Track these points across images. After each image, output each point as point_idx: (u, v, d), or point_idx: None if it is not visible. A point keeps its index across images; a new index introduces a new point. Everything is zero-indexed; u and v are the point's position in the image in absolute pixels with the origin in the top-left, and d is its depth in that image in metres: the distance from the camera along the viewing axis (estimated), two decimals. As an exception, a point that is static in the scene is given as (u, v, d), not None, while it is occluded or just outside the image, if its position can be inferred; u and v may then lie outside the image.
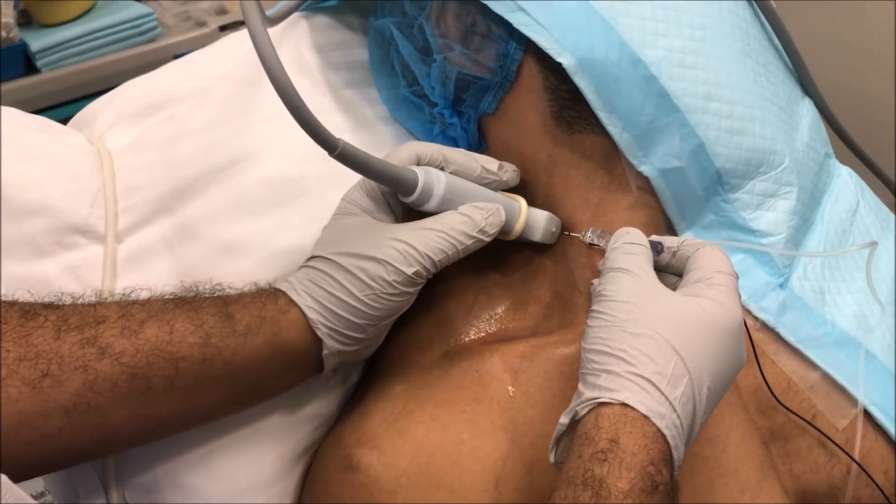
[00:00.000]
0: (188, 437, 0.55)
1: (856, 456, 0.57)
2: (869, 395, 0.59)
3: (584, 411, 0.45)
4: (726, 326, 0.48)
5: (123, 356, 0.47)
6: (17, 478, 0.45)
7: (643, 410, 0.44)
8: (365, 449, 0.53)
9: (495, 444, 0.53)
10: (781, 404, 0.57)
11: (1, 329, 0.45)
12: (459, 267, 0.62)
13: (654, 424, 0.44)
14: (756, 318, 0.60)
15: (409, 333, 0.61)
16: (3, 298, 0.48)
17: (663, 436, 0.44)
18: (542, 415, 0.54)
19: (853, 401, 0.59)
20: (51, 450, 0.45)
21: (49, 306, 0.48)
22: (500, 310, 0.61)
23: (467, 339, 0.60)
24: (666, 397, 0.45)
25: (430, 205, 0.54)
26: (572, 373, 0.56)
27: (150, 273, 0.57)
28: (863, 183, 0.73)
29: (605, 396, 0.45)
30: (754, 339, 0.58)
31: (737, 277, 0.51)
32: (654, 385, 0.45)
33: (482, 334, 0.60)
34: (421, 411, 0.54)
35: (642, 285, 0.49)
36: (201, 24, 1.64)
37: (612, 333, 0.47)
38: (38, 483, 1.04)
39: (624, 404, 0.44)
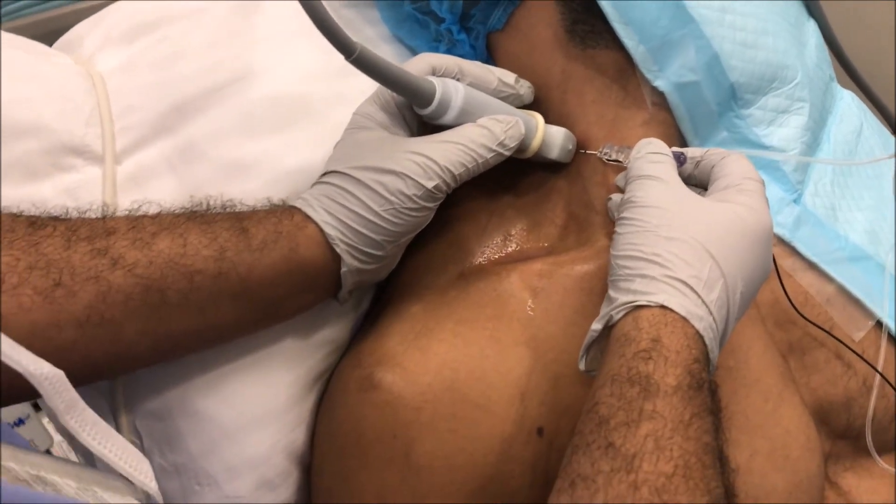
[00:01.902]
0: (199, 361, 0.53)
1: (879, 365, 0.57)
2: (884, 307, 0.60)
3: (620, 315, 0.45)
4: (758, 232, 0.47)
5: (137, 267, 0.45)
6: (29, 393, 0.43)
7: (682, 312, 0.43)
8: (386, 367, 0.51)
9: (519, 360, 0.52)
10: (802, 315, 0.57)
11: (9, 237, 0.42)
12: (472, 190, 0.60)
13: (693, 326, 0.43)
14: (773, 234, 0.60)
15: (422, 256, 0.59)
16: (7, 211, 0.45)
17: (702, 338, 0.43)
18: (564, 330, 0.53)
19: (868, 313, 0.60)
20: (64, 364, 0.42)
21: (56, 218, 0.46)
22: (514, 231, 0.60)
23: (482, 260, 0.58)
24: (703, 300, 0.44)
25: (448, 117, 0.53)
26: (592, 288, 0.55)
27: (154, 193, 0.54)
28: (864, 106, 0.73)
29: (643, 300, 0.44)
30: (774, 253, 0.58)
31: (763, 184, 0.50)
32: (691, 288, 0.44)
33: (497, 255, 0.59)
34: (441, 329, 0.53)
35: (672, 191, 0.48)
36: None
37: (645, 238, 0.46)
38: (23, 408, 1.01)
39: (662, 307, 0.43)
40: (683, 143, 0.61)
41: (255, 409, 0.54)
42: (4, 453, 0.31)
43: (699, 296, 0.44)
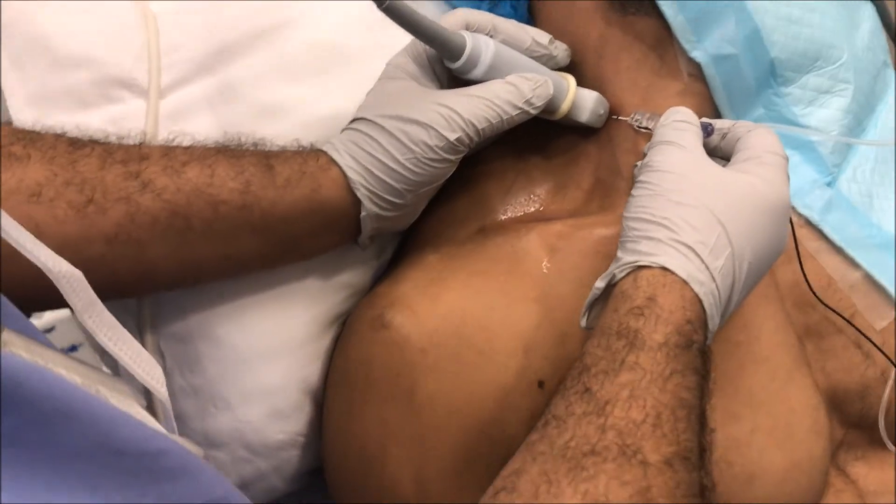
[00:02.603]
0: (223, 290, 0.56)
1: None
2: (911, 298, 0.58)
3: (622, 274, 0.45)
4: (772, 205, 0.47)
5: (165, 193, 0.47)
6: (61, 302, 0.46)
7: (683, 275, 0.44)
8: (397, 309, 0.53)
9: (526, 314, 0.53)
10: (820, 300, 0.56)
11: (50, 154, 0.45)
12: (500, 148, 0.61)
13: (692, 289, 0.44)
14: (800, 215, 0.59)
15: (445, 209, 0.61)
16: (52, 131, 0.49)
17: (700, 302, 0.44)
18: (575, 291, 0.54)
19: (893, 302, 0.58)
20: (92, 276, 0.45)
21: (95, 141, 0.49)
22: (538, 192, 0.61)
23: (504, 217, 0.59)
24: (706, 266, 0.44)
25: (477, 72, 0.53)
26: (609, 252, 0.55)
27: (192, 129, 0.57)
28: (920, 96, 0.71)
29: (645, 260, 0.44)
30: (797, 234, 0.57)
31: (787, 159, 0.50)
32: (695, 253, 0.44)
33: (519, 214, 0.60)
34: (454, 278, 0.54)
35: (690, 158, 0.48)
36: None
37: (656, 202, 0.46)
38: (76, 336, 1.06)
39: (664, 268, 0.44)
40: (717, 117, 0.60)
41: (272, 340, 0.57)
42: (17, 342, 0.33)
43: (703, 261, 0.44)
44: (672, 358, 0.40)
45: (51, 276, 0.34)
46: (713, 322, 0.45)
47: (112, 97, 0.57)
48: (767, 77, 0.59)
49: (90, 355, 1.24)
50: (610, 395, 0.38)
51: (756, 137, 0.50)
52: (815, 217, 0.59)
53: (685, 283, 0.43)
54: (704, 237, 0.45)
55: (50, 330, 1.04)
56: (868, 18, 0.67)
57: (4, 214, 0.33)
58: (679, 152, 0.49)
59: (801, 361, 0.57)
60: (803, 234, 0.59)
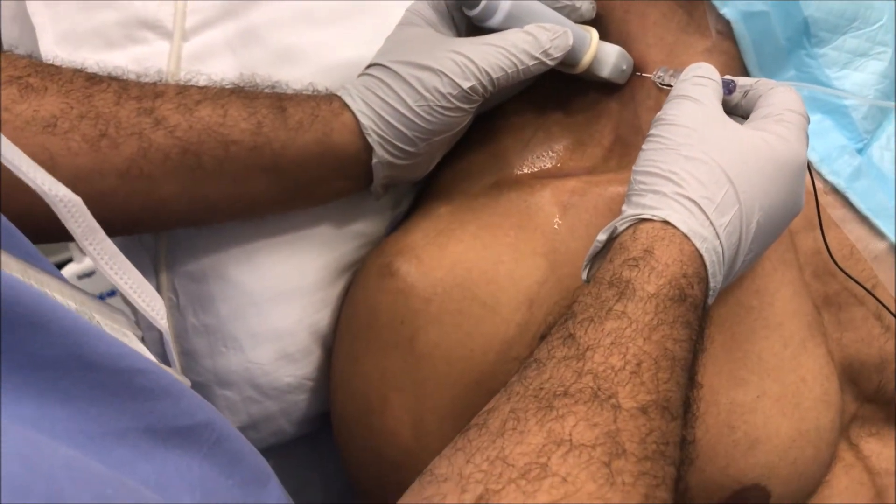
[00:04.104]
0: (236, 232, 0.57)
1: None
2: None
3: (623, 227, 0.44)
4: (786, 163, 0.46)
5: (177, 130, 0.48)
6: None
7: (684, 229, 0.43)
8: (404, 258, 0.53)
9: (534, 269, 0.53)
10: (840, 268, 0.54)
11: (67, 87, 0.47)
12: (520, 103, 0.61)
13: (692, 244, 0.43)
14: (826, 181, 0.57)
15: (461, 164, 0.61)
16: (71, 66, 0.50)
17: (701, 258, 0.43)
18: (585, 248, 0.53)
19: (919, 275, 0.56)
20: (104, 210, 0.46)
21: (113, 77, 0.50)
22: (557, 148, 0.60)
23: (520, 172, 0.59)
24: (711, 222, 0.43)
25: (495, 20, 0.53)
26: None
27: (212, 71, 0.57)
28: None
29: (647, 213, 0.44)
30: (821, 201, 0.56)
31: (808, 119, 0.48)
32: (700, 208, 0.43)
33: (535, 169, 0.59)
34: (463, 231, 0.54)
35: (705, 112, 0.47)
36: None
37: (665, 156, 0.45)
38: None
39: (665, 222, 0.43)
40: (745, 76, 0.58)
41: (283, 284, 0.58)
42: (14, 266, 0.34)
43: (707, 217, 0.43)
44: (662, 309, 0.39)
45: (47, 200, 0.35)
46: (715, 280, 0.44)
47: (137, 38, 0.58)
48: (800, 37, 0.57)
49: (122, 303, 1.27)
50: (592, 341, 0.38)
51: (777, 95, 0.48)
52: (841, 184, 0.57)
53: (686, 237, 0.43)
54: (711, 193, 0.44)
55: (90, 274, 1.07)
56: (916, -20, 0.64)
57: (4, 139, 0.34)
58: (694, 107, 0.47)
59: (817, 330, 0.55)
60: (828, 201, 0.57)
